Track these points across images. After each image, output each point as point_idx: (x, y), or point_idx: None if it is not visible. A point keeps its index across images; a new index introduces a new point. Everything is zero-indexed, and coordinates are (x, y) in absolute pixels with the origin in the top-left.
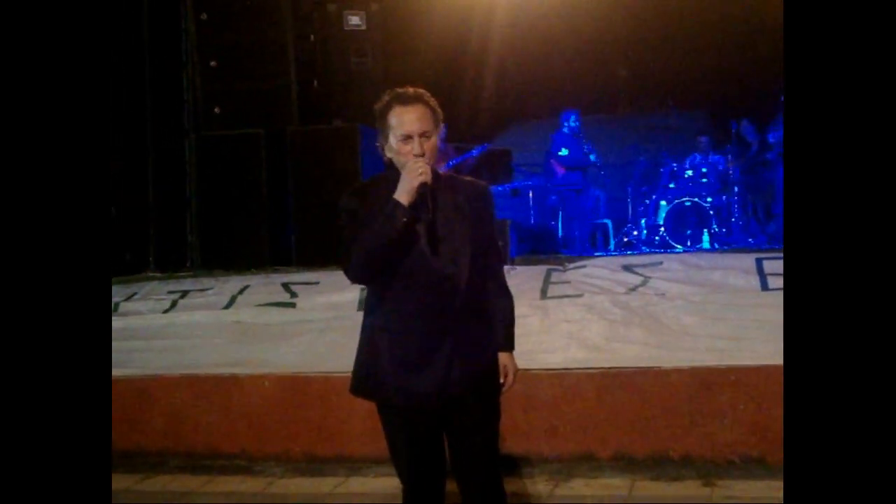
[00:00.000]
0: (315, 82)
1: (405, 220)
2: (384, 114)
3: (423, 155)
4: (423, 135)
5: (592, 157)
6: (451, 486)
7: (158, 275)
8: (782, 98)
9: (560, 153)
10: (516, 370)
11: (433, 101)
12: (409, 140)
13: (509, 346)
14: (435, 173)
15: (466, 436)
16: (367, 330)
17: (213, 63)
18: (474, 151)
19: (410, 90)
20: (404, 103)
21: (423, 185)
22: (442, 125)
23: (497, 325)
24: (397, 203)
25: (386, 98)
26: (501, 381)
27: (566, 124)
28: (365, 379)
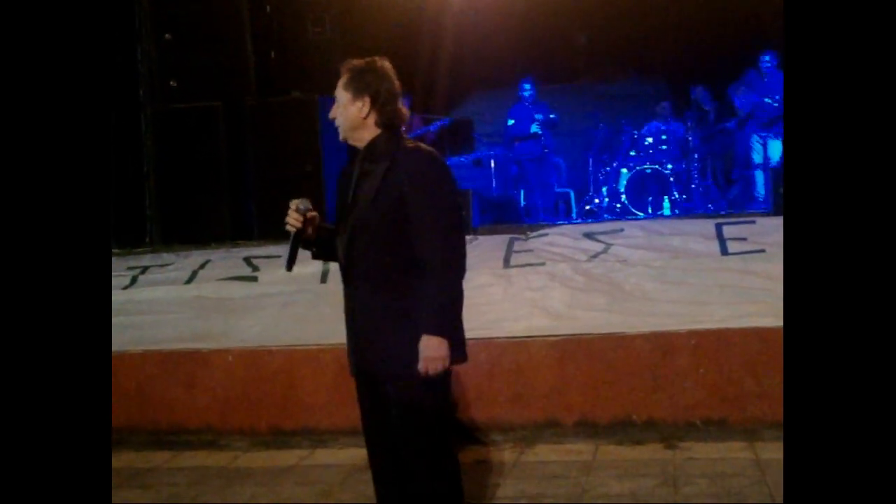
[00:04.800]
0: (272, 53)
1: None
2: None
3: (332, 119)
4: (335, 101)
5: (534, 128)
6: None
7: (117, 251)
8: (762, 62)
9: (508, 123)
10: (431, 357)
11: (354, 67)
12: None
13: (426, 328)
14: (375, 143)
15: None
16: None
17: (167, 36)
18: (432, 127)
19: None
20: None
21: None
22: (366, 89)
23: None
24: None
25: None
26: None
27: (521, 94)
28: None
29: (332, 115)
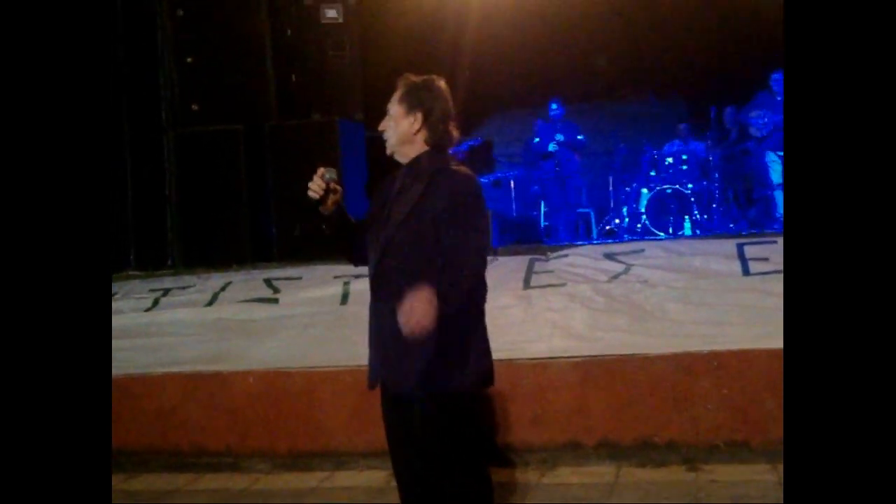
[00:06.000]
0: (293, 77)
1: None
2: None
3: (382, 131)
4: (386, 113)
5: (551, 147)
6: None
7: (139, 273)
8: (773, 81)
9: (534, 141)
10: (415, 309)
11: (411, 83)
12: None
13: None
14: (418, 160)
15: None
16: None
17: (189, 59)
18: (462, 146)
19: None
20: None
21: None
22: (420, 105)
23: None
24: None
25: None
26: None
27: (549, 113)
28: None
29: (381, 127)
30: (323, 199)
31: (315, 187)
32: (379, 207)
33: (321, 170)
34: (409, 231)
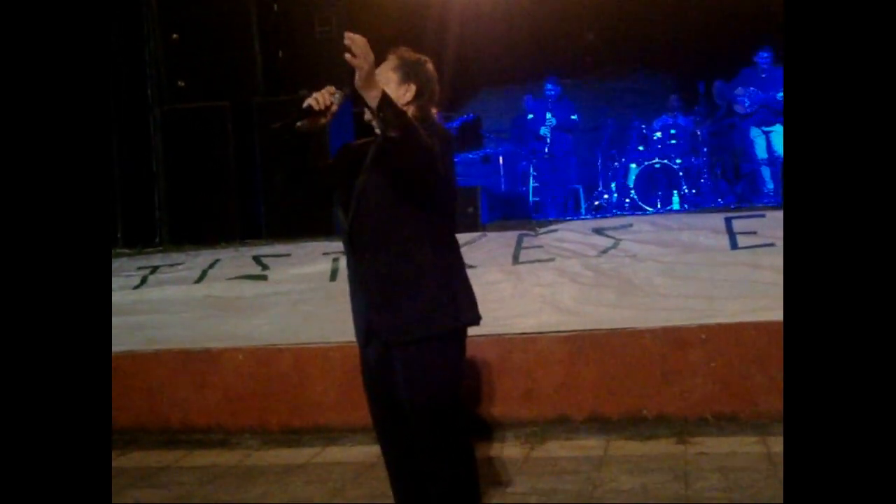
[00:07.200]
0: (280, 53)
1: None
2: None
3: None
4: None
5: (543, 131)
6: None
7: (127, 251)
8: (759, 58)
9: (528, 117)
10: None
11: (406, 57)
12: None
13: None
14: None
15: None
16: None
17: (174, 36)
18: (455, 123)
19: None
20: None
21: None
22: (415, 78)
23: None
24: None
25: None
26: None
27: (545, 91)
28: None
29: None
30: (321, 113)
31: (321, 98)
32: (349, 167)
33: (331, 87)
34: (383, 180)
